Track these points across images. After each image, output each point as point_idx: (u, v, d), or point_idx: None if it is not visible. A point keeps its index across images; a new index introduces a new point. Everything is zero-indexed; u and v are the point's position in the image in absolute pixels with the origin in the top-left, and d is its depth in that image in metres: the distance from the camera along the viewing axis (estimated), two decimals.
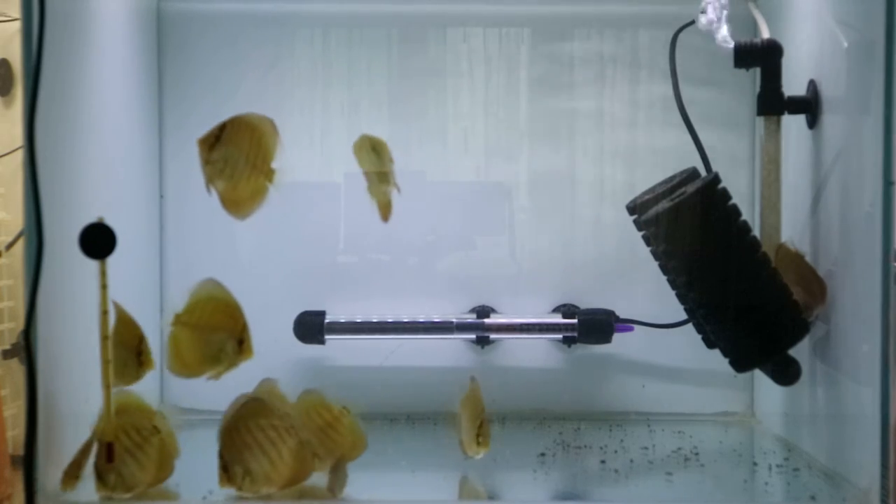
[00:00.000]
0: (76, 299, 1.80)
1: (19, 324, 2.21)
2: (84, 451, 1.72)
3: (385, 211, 1.85)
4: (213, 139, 1.74)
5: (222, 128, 1.76)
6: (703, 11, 2.12)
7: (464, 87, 2.47)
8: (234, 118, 1.77)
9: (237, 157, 1.75)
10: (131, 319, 1.76)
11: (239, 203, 1.77)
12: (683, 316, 2.18)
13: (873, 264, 1.72)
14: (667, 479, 1.95)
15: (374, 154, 1.86)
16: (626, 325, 2.39)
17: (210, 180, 1.76)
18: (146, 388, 2.38)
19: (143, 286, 2.37)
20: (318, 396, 1.82)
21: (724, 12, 2.10)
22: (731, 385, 2.44)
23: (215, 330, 1.77)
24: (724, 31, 2.09)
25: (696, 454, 2.12)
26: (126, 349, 1.76)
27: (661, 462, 2.08)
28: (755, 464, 2.11)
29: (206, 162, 1.74)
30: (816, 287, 1.98)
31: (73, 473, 1.70)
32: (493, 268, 2.47)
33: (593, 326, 2.38)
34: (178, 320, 1.77)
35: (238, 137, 1.75)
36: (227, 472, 1.69)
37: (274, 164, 1.79)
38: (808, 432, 2.10)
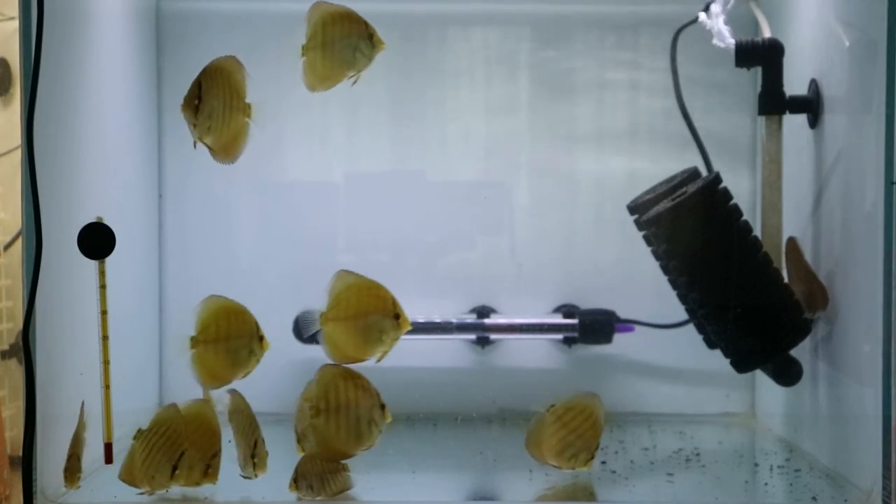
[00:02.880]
0: (75, 300, 1.79)
1: (17, 324, 2.20)
2: (74, 445, 1.72)
3: (329, 84, 1.77)
4: (195, 100, 1.71)
5: (199, 85, 1.72)
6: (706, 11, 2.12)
7: (464, 87, 2.47)
8: (206, 68, 1.73)
9: (218, 106, 1.72)
10: (244, 310, 1.78)
11: (226, 148, 1.74)
12: (684, 316, 2.18)
13: (875, 264, 1.72)
14: (668, 480, 1.95)
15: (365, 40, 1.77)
16: (627, 325, 2.38)
17: (200, 139, 1.74)
18: (145, 388, 2.39)
19: (141, 286, 2.37)
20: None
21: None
22: (732, 385, 2.43)
23: (368, 314, 1.75)
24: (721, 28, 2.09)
25: (697, 455, 2.12)
26: (243, 338, 1.77)
27: (662, 463, 2.07)
28: (756, 465, 2.10)
29: (195, 125, 1.72)
30: (819, 293, 1.98)
31: (74, 469, 1.70)
32: (493, 268, 2.46)
33: (594, 327, 2.38)
34: (327, 318, 1.74)
35: (214, 87, 1.72)
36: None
37: (248, 99, 1.75)
38: (810, 433, 2.10)
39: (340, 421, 1.74)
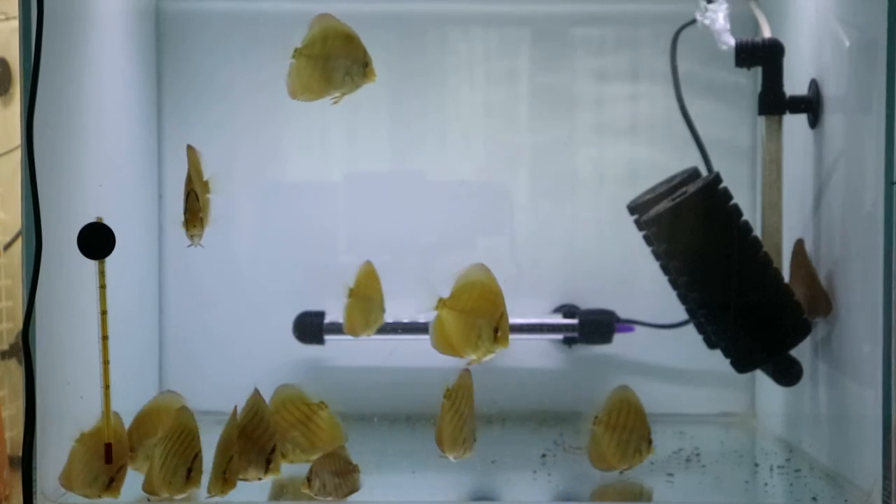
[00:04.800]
0: (75, 300, 1.79)
1: (17, 324, 2.20)
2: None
3: (310, 97, 1.75)
4: (200, 212, 1.71)
5: (188, 197, 1.71)
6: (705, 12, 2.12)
7: (464, 87, 2.47)
8: (188, 176, 1.71)
9: (204, 198, 1.72)
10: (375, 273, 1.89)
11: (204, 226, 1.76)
12: (684, 316, 2.18)
13: (875, 264, 1.71)
14: (668, 480, 1.95)
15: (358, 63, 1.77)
16: (627, 325, 2.38)
17: (201, 238, 1.74)
18: (145, 388, 2.39)
19: (141, 286, 2.36)
20: (294, 391, 1.82)
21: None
22: (732, 385, 2.43)
23: (477, 315, 1.75)
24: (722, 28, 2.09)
25: (697, 455, 2.12)
26: (371, 303, 1.90)
27: (662, 463, 2.07)
28: (756, 465, 2.10)
29: (201, 235, 1.73)
30: (822, 299, 1.97)
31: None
32: (493, 268, 2.46)
33: (594, 327, 2.38)
34: (444, 304, 1.76)
35: (197, 184, 1.72)
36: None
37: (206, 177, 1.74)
38: (810, 433, 2.09)
39: (455, 419, 1.77)
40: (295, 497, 1.78)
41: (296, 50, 1.73)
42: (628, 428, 1.84)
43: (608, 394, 1.87)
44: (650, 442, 1.85)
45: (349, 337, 2.38)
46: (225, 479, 1.71)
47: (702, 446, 2.18)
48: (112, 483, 1.71)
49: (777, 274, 2.01)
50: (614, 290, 2.43)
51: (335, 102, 1.76)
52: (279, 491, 1.81)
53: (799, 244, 2.06)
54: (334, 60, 1.73)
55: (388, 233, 2.46)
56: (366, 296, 1.91)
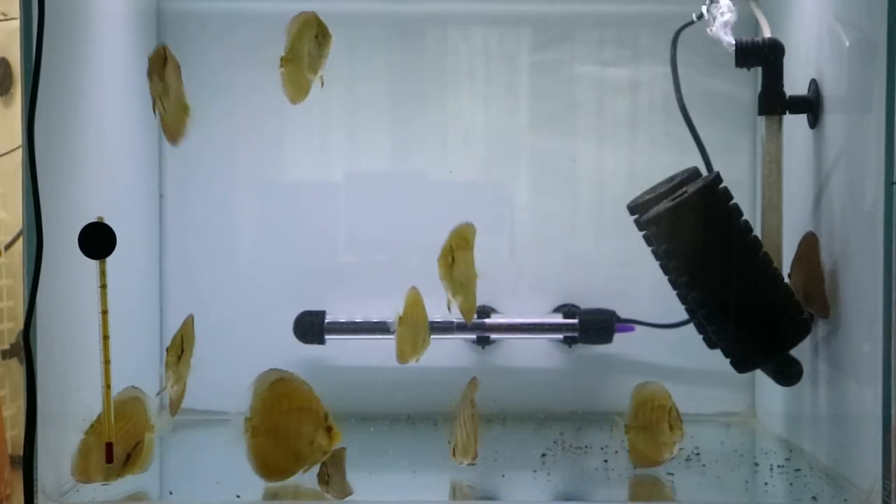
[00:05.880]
0: (75, 299, 1.79)
1: (18, 324, 2.20)
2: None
3: (305, 95, 1.81)
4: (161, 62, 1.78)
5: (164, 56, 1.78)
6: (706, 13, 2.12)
7: (464, 87, 2.47)
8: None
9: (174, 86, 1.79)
10: (421, 300, 1.95)
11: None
12: (684, 316, 2.18)
13: (875, 264, 1.72)
14: (668, 480, 1.95)
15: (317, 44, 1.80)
16: (627, 325, 2.39)
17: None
18: (145, 388, 2.39)
19: (141, 286, 2.37)
20: None
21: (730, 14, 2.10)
22: (732, 385, 2.44)
23: None
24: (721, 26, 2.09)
25: (698, 455, 2.12)
26: (418, 329, 1.96)
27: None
28: (756, 464, 2.10)
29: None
30: (819, 300, 1.97)
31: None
32: (493, 268, 2.46)
33: (594, 326, 2.38)
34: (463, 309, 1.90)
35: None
36: None
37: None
38: (810, 433, 2.10)
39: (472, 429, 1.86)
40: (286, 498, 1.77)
41: (281, 59, 1.77)
42: (654, 421, 1.91)
43: (634, 388, 1.94)
44: (681, 429, 1.92)
45: (349, 337, 2.39)
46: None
47: (702, 446, 2.18)
48: (129, 459, 1.71)
49: (777, 274, 2.01)
50: (614, 290, 2.43)
51: (322, 86, 1.80)
52: (274, 492, 1.81)
53: (812, 237, 2.04)
54: (310, 53, 1.76)
55: (388, 233, 2.46)
56: (414, 322, 1.95)
